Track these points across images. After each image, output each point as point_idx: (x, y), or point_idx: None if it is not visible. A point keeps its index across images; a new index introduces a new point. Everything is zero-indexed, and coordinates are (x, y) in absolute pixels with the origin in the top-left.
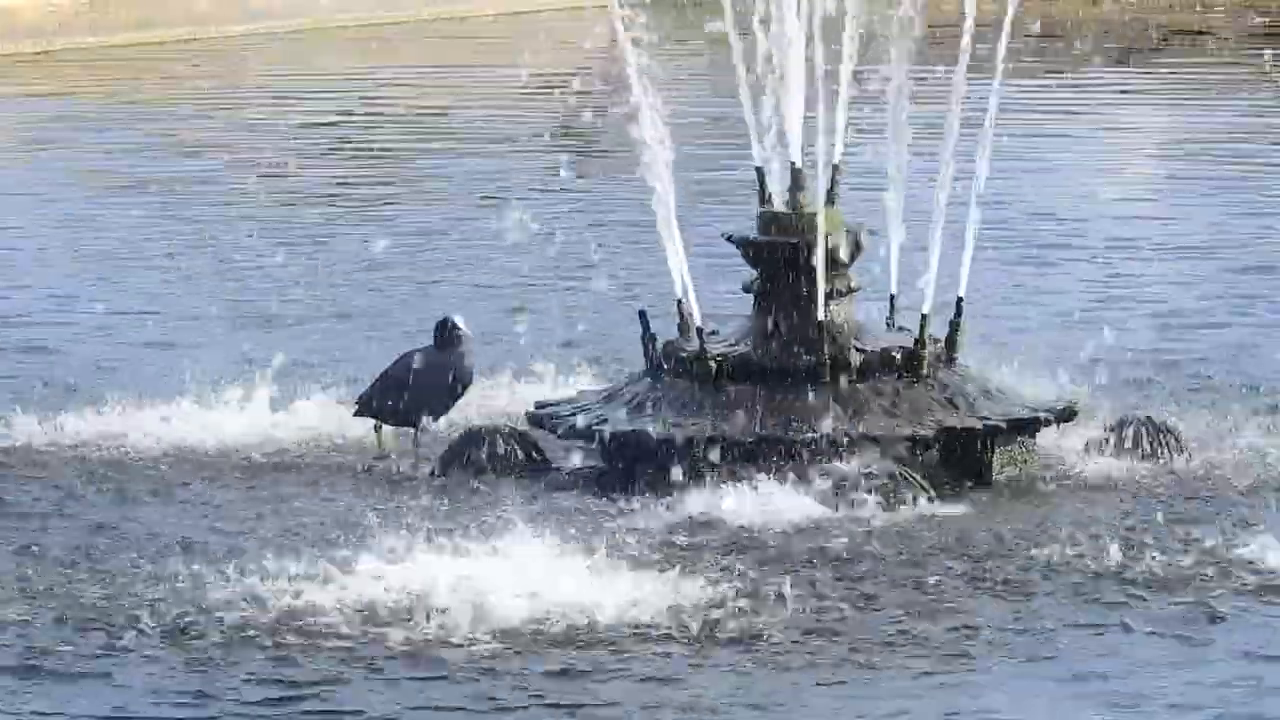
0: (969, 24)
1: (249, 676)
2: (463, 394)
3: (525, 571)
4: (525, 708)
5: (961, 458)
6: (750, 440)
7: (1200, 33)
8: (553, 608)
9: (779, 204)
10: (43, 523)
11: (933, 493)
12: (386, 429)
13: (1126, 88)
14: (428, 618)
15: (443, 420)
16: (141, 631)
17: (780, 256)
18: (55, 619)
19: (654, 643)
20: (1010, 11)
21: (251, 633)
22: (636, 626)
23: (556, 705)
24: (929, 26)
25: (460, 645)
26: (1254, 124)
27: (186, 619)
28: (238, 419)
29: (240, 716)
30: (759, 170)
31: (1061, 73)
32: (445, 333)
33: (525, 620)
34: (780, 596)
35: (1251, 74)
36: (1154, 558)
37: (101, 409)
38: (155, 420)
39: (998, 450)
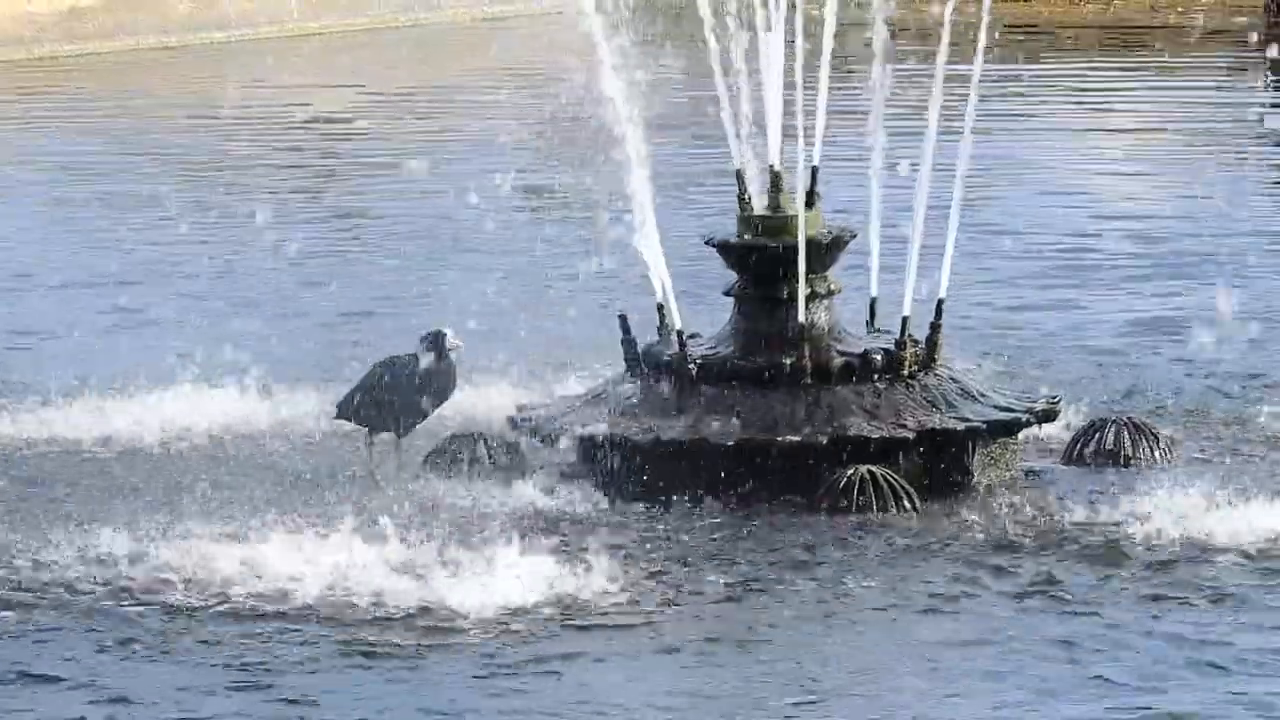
0: (947, 23)
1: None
2: (442, 403)
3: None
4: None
5: (942, 460)
6: (730, 444)
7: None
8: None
9: (759, 207)
10: None
11: (914, 495)
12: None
13: (1104, 86)
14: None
15: (423, 426)
16: None
17: (760, 259)
18: None
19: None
20: (987, 11)
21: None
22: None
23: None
24: (908, 27)
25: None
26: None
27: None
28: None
29: None
30: (738, 173)
31: (1041, 71)
32: (433, 343)
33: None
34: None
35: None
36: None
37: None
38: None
39: (978, 452)
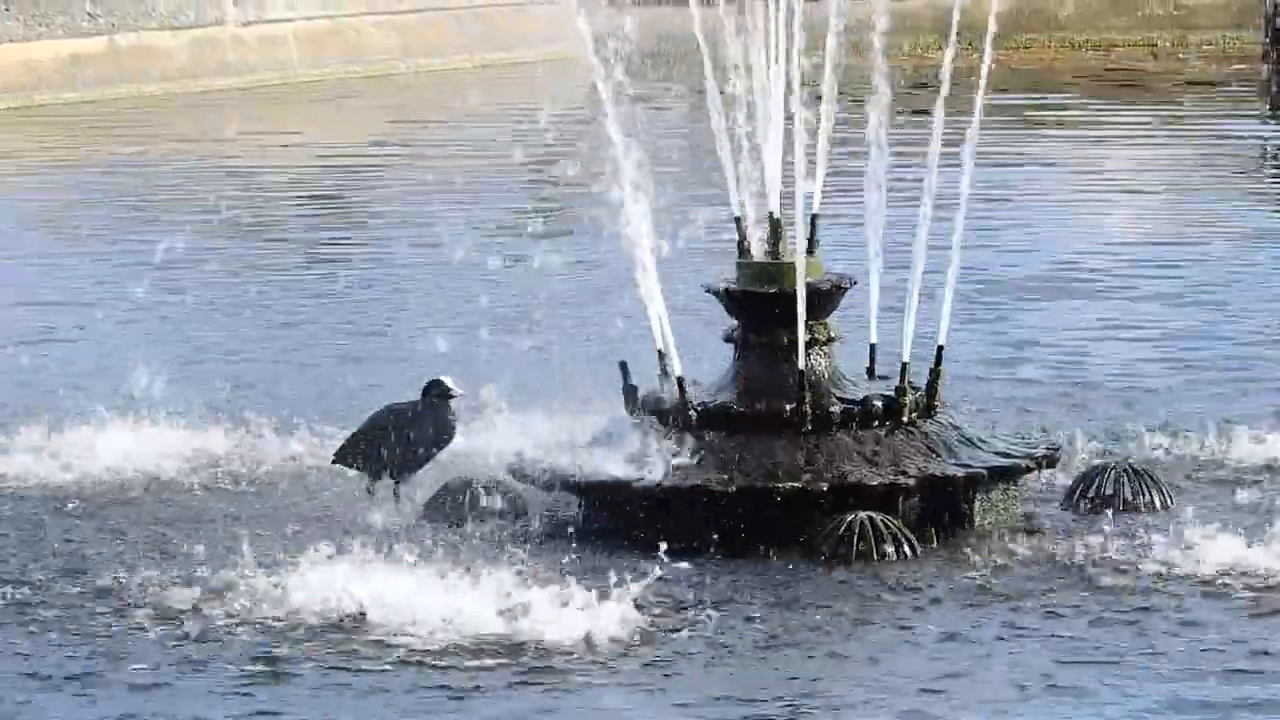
0: (947, 71)
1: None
2: (440, 450)
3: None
4: None
5: (943, 506)
6: (730, 491)
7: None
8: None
9: (758, 253)
10: None
11: (914, 541)
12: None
13: (1105, 132)
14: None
15: (422, 473)
16: None
17: (759, 306)
18: None
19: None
20: (988, 59)
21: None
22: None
23: None
24: (909, 74)
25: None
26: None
27: None
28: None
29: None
30: (738, 220)
31: (1040, 119)
32: (433, 392)
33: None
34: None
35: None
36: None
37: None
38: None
39: (979, 498)
